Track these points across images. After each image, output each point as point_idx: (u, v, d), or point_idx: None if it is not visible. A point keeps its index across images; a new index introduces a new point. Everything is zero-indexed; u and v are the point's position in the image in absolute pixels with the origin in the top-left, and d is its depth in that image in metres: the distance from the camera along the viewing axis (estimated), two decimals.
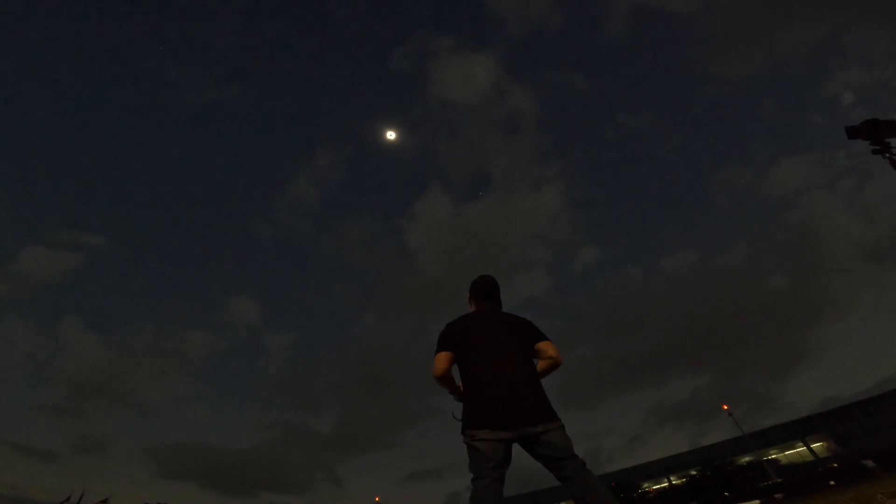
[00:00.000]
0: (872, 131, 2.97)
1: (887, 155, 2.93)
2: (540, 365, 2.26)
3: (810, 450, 41.23)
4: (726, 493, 32.51)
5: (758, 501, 27.99)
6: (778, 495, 27.68)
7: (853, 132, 2.99)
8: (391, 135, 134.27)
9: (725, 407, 36.14)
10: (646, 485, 45.33)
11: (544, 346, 2.26)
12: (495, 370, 2.08)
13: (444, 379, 2.19)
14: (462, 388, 2.21)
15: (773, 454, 43.32)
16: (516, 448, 2.04)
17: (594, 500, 1.89)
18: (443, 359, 2.17)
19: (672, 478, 45.36)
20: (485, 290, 2.50)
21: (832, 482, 25.81)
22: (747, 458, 39.53)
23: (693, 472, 40.09)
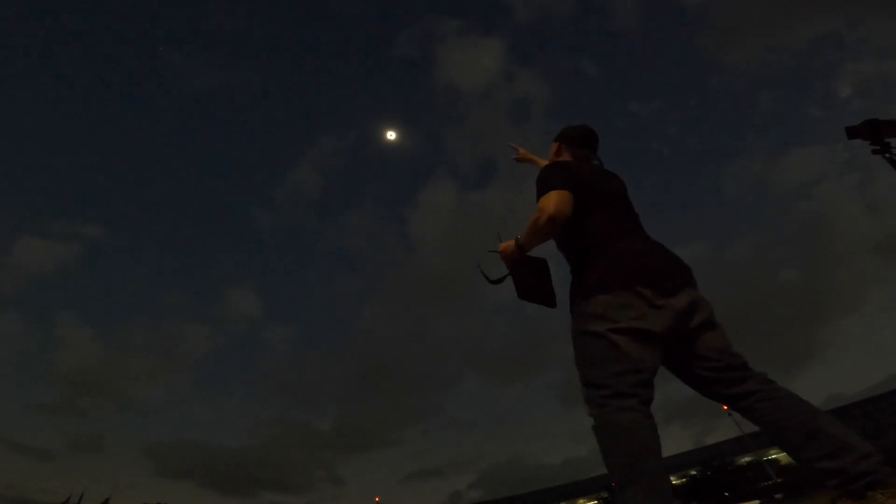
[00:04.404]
0: (873, 131, 2.97)
1: (887, 155, 2.93)
2: None
3: None
4: (726, 493, 32.50)
5: (758, 501, 27.97)
6: (778, 495, 27.67)
7: (853, 132, 2.98)
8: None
9: (725, 407, 36.08)
10: None
11: None
12: (630, 228, 1.50)
13: (560, 227, 1.45)
14: (574, 247, 1.53)
15: (773, 454, 43.29)
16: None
17: (794, 422, 1.21)
18: (564, 198, 1.43)
19: (672, 478, 45.35)
20: (587, 136, 1.84)
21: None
22: (747, 458, 39.51)
23: (693, 472, 40.09)
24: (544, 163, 1.94)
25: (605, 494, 37.77)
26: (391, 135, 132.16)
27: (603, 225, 1.48)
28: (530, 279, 1.59)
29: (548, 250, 1.63)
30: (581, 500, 44.82)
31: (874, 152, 3.26)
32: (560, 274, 1.65)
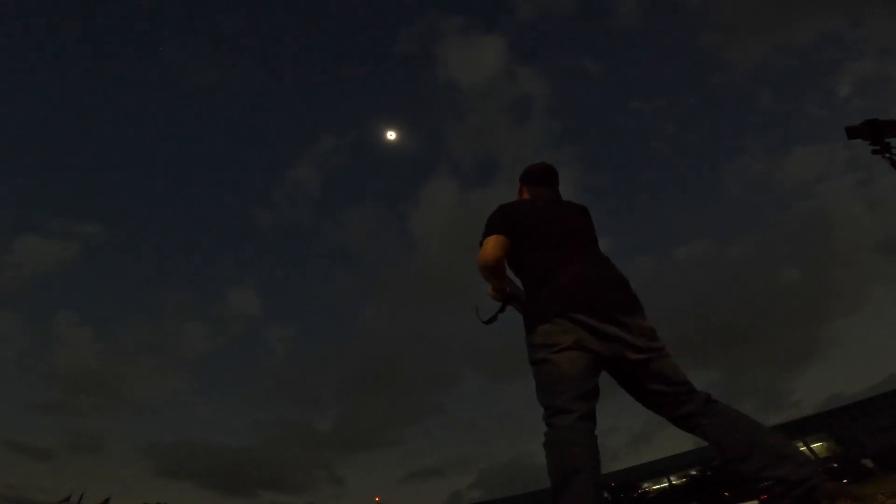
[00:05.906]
0: (873, 131, 2.97)
1: (887, 155, 2.94)
2: None
3: (810, 450, 41.17)
4: (726, 493, 32.51)
5: (757, 502, 27.97)
6: None
7: (853, 132, 2.99)
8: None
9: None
10: (646, 485, 45.29)
11: None
12: (568, 257, 1.58)
13: (497, 269, 1.64)
14: (521, 284, 1.70)
15: None
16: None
17: (737, 436, 1.33)
18: (496, 243, 1.63)
19: (672, 478, 45.33)
20: (542, 174, 1.96)
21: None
22: None
23: (693, 472, 40.09)
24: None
25: (604, 494, 37.73)
26: (391, 134, 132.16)
27: (543, 259, 1.60)
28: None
29: None
30: None
31: (874, 152, 3.27)
32: None
